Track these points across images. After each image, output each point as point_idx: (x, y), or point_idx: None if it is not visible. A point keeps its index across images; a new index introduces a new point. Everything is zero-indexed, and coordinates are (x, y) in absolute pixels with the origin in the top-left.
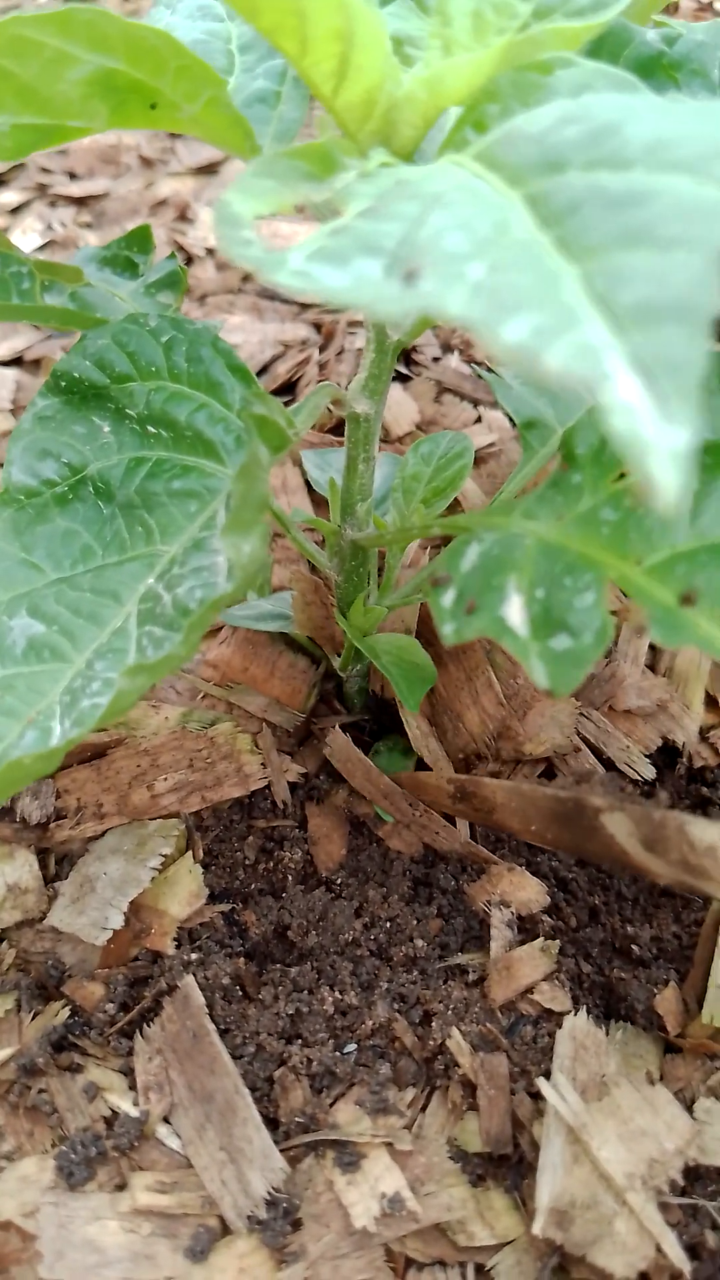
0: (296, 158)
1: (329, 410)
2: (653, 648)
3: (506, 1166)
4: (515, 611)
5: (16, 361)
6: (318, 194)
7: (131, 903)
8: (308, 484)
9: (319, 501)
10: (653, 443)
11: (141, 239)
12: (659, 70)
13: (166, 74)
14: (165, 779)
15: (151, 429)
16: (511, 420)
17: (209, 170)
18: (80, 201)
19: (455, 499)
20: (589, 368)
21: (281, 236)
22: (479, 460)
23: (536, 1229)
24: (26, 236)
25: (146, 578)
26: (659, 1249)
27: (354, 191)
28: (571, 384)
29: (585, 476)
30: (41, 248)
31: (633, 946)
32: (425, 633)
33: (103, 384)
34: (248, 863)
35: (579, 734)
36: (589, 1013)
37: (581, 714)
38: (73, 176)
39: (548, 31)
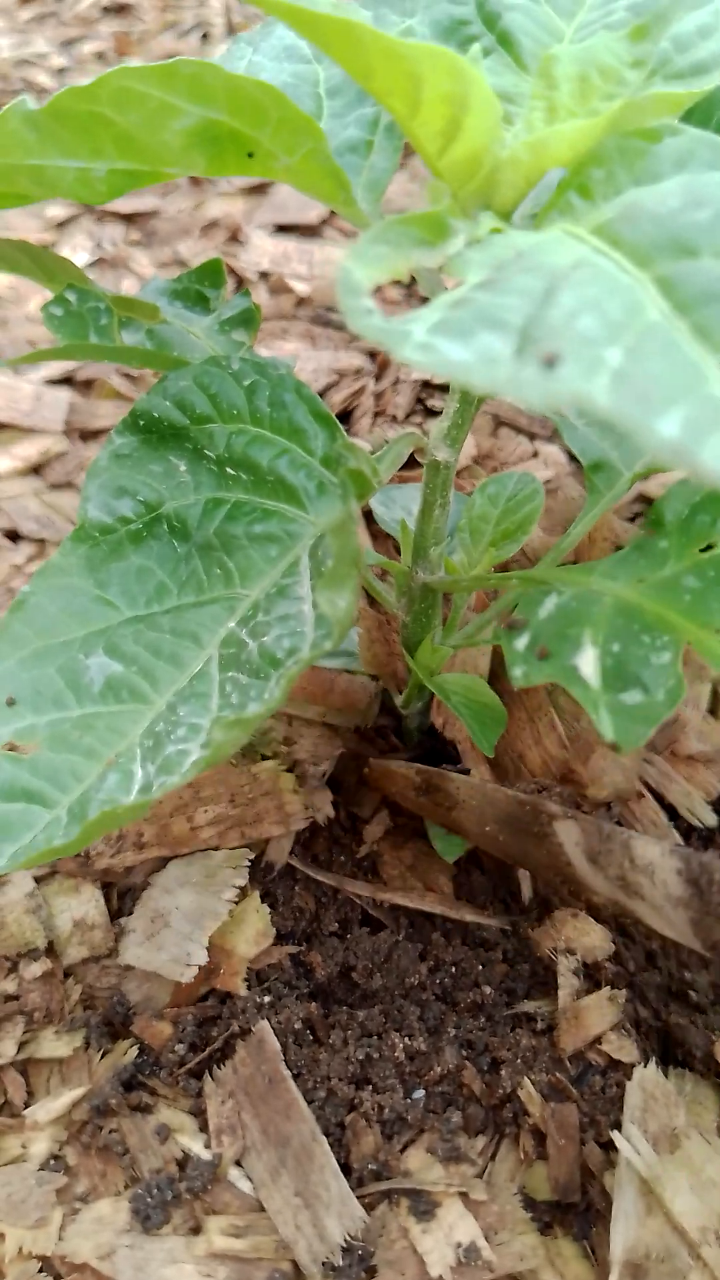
0: (409, 225)
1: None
2: (715, 692)
3: (574, 1215)
4: (588, 662)
5: (68, 381)
6: (430, 260)
7: None
8: (367, 515)
9: (377, 534)
10: None
11: (213, 273)
12: None
13: (267, 126)
14: (206, 811)
15: (231, 471)
16: (572, 456)
17: (259, 190)
18: (129, 219)
19: None
20: None
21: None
22: None
23: None
24: (76, 254)
25: (227, 621)
26: None
27: (468, 260)
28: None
29: (671, 544)
30: (90, 265)
31: (690, 991)
32: (494, 675)
33: (182, 424)
34: (309, 903)
35: (641, 779)
36: (655, 1061)
37: (644, 759)
38: None
39: (652, 97)
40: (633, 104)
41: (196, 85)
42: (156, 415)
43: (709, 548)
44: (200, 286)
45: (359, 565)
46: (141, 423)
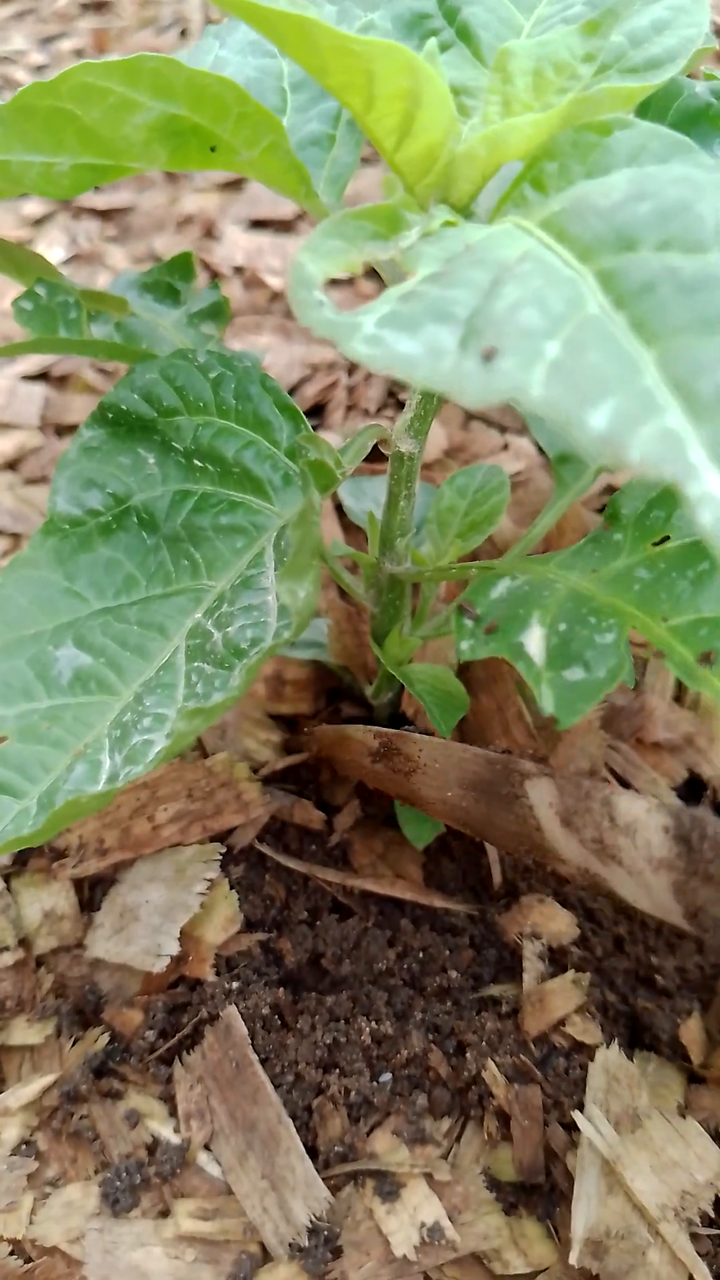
0: (363, 219)
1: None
2: (680, 681)
3: (539, 1195)
4: (534, 641)
5: (43, 376)
6: (383, 253)
7: None
8: (338, 509)
9: (348, 526)
10: None
11: (184, 266)
12: (705, 120)
13: (228, 120)
14: (165, 809)
15: (198, 463)
16: (540, 449)
17: (234, 186)
18: (105, 215)
19: None
20: (673, 459)
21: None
22: None
23: (573, 1259)
24: (52, 250)
25: (193, 612)
26: (691, 1279)
27: (420, 253)
28: (654, 473)
29: (627, 538)
30: (66, 261)
31: (657, 976)
32: (463, 666)
33: (150, 417)
34: (279, 891)
35: (607, 766)
36: (618, 1044)
37: (610, 746)
38: (96, 189)
39: (606, 91)
40: (586, 98)
41: (157, 80)
42: (124, 408)
43: (664, 541)
44: (171, 279)
45: (320, 556)
46: (110, 415)
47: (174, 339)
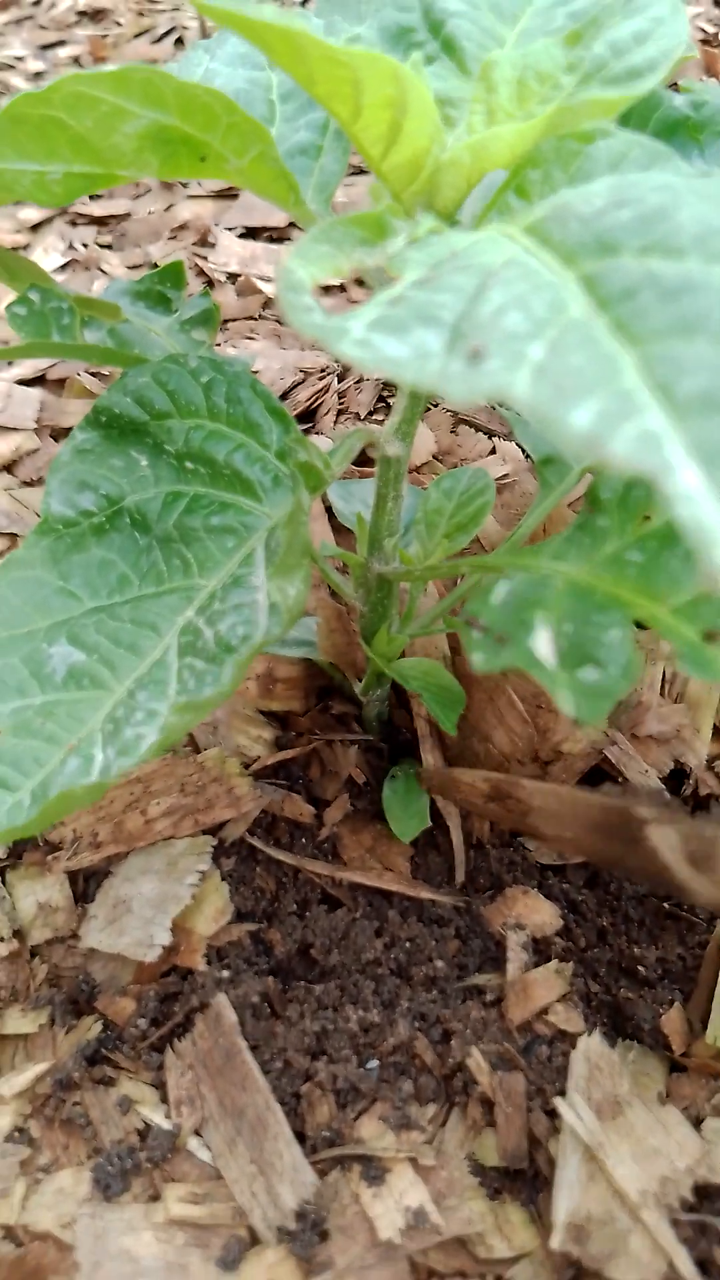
0: (351, 225)
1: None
2: (664, 674)
3: (522, 1181)
4: (544, 644)
5: (40, 380)
6: (371, 259)
7: None
8: (328, 510)
9: (338, 528)
10: (717, 530)
11: (174, 275)
12: (683, 131)
13: (218, 129)
14: (158, 803)
15: (190, 465)
16: (525, 453)
17: (228, 194)
18: (101, 221)
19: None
20: (652, 457)
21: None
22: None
23: (554, 1244)
24: (48, 256)
25: (185, 610)
26: (671, 1265)
27: (407, 259)
28: (634, 471)
29: (612, 521)
30: (62, 267)
31: (639, 967)
32: (452, 659)
33: (142, 420)
34: (269, 883)
35: (603, 755)
36: (601, 1032)
37: (608, 737)
38: (93, 196)
39: (588, 102)
40: (569, 108)
41: (148, 90)
42: (117, 411)
43: (648, 519)
44: (162, 287)
45: (309, 555)
46: (103, 419)
47: (166, 344)
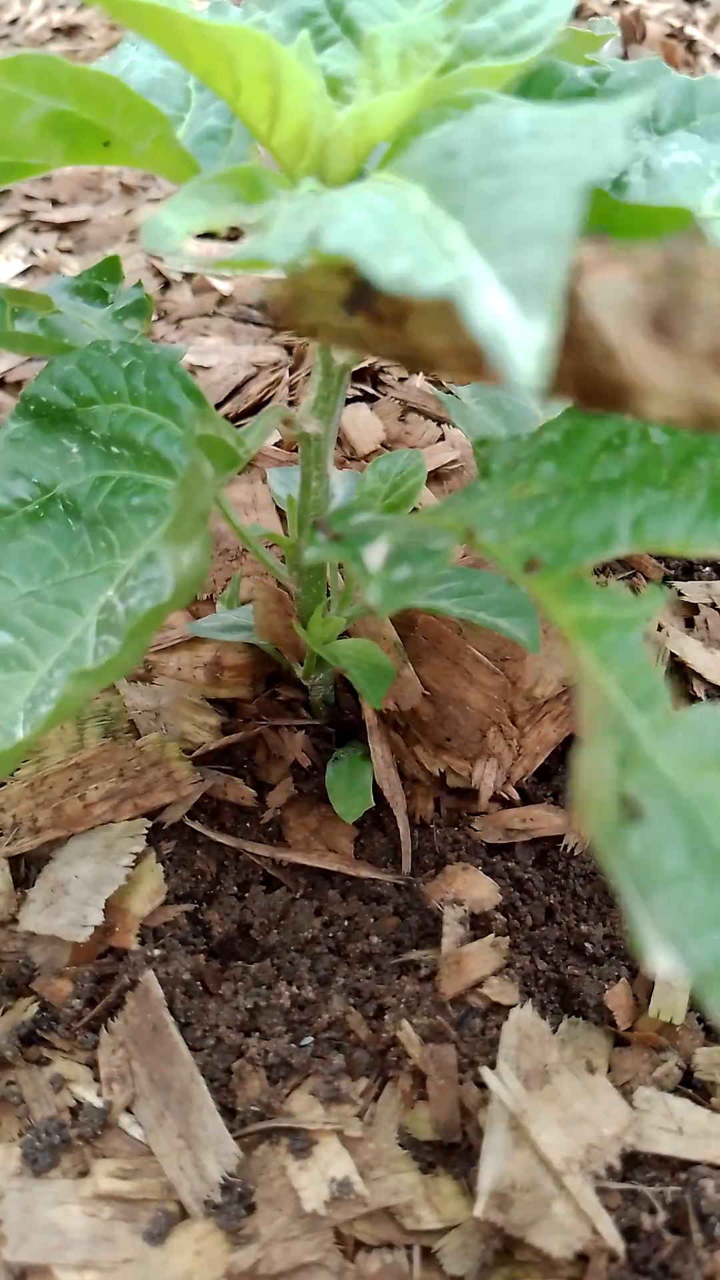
0: (224, 181)
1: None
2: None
3: (456, 1154)
4: (375, 553)
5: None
6: (249, 215)
7: None
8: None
9: (285, 517)
10: (514, 338)
11: (111, 269)
12: (586, 101)
13: (115, 114)
14: (96, 788)
15: (115, 449)
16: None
17: None
18: (63, 228)
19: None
20: (459, 285)
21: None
22: (441, 476)
23: (478, 1211)
24: (9, 263)
25: (107, 589)
26: (595, 1230)
27: (280, 209)
28: (436, 294)
29: (492, 486)
30: (23, 273)
31: (586, 944)
32: (405, 637)
33: (69, 407)
34: (210, 865)
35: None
36: (542, 1007)
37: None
38: (55, 203)
39: (470, 70)
40: (451, 77)
41: (43, 78)
42: (45, 400)
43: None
44: (100, 282)
45: (204, 521)
46: (32, 408)
47: (98, 335)
